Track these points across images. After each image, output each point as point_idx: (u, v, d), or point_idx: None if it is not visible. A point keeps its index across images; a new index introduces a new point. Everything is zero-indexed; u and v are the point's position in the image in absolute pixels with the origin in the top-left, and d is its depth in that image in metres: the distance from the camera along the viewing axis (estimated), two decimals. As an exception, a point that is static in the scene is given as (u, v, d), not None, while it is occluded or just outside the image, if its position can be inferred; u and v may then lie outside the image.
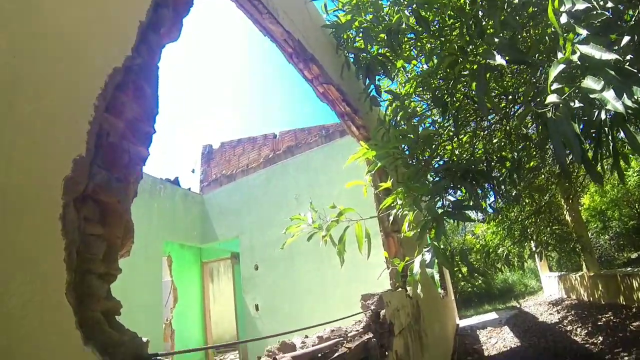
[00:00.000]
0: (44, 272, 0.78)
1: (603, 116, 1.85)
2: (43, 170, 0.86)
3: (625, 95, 1.58)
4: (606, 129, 1.98)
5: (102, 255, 0.92)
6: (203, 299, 10.79)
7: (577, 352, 6.90)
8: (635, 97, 1.56)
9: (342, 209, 3.76)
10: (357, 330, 2.63)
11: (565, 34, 1.86)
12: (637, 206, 13.83)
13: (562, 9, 1.89)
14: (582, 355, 6.66)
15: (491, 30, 3.30)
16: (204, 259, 11.29)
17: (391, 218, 3.68)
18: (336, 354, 2.01)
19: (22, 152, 0.83)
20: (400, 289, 4.03)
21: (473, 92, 3.83)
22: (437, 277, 3.10)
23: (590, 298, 10.97)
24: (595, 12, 1.82)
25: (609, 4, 1.95)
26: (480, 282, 20.07)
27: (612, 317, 8.21)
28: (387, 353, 2.77)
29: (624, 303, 8.76)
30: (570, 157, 2.91)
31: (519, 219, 9.37)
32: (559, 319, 10.30)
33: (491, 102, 3.66)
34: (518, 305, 15.72)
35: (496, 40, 2.69)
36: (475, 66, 3.25)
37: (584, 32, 1.78)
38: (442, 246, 3.14)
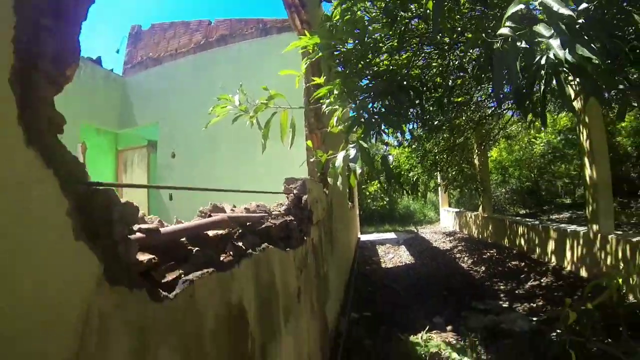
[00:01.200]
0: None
1: (543, 61, 1.97)
2: None
3: (567, 50, 1.72)
4: (542, 72, 2.12)
5: (51, 56, 0.81)
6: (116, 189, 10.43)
7: (462, 275, 7.83)
8: (578, 53, 1.70)
9: (272, 93, 3.76)
10: (280, 212, 2.70)
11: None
12: (535, 172, 15.24)
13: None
14: (466, 278, 7.58)
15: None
16: (120, 147, 10.73)
17: (324, 111, 3.73)
18: (263, 226, 2.11)
19: None
20: (319, 183, 4.17)
21: (428, 12, 3.83)
22: (358, 171, 3.20)
23: (480, 235, 12.17)
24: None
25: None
26: (386, 199, 21.20)
27: (495, 254, 9.28)
28: (305, 238, 2.90)
29: (507, 245, 9.93)
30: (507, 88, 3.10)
31: (433, 151, 9.89)
32: (450, 247, 11.38)
33: (444, 24, 3.71)
34: (415, 231, 16.90)
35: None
36: None
37: None
38: (366, 146, 3.27)
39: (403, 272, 8.62)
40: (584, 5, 2.03)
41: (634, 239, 5.34)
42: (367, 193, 20.79)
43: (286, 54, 3.87)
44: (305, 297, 2.71)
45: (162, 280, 1.01)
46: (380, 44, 4.22)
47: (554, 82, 2.09)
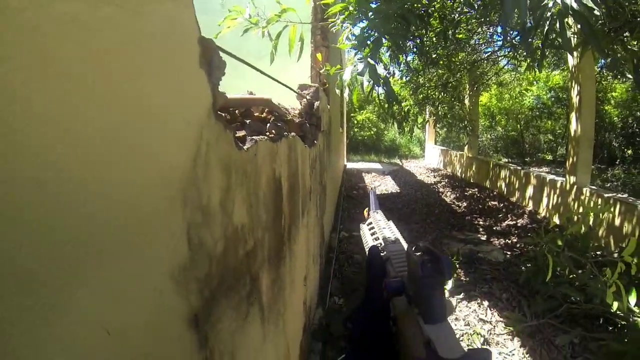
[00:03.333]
0: None
1: (551, 4, 2.03)
2: None
3: None
4: (548, 14, 2.18)
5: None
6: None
7: (444, 207, 8.15)
8: (584, 2, 1.78)
9: (284, 7, 3.73)
10: (294, 114, 2.78)
11: None
12: (522, 123, 15.41)
13: None
14: (448, 210, 7.91)
15: None
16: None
17: (336, 27, 3.72)
18: (287, 118, 2.19)
19: None
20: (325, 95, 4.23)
21: None
22: (365, 84, 3.27)
23: (463, 175, 12.51)
24: None
25: None
26: (373, 129, 21.24)
27: (476, 192, 9.69)
28: (315, 142, 3.01)
29: (488, 186, 10.29)
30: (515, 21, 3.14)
31: (426, 86, 9.88)
32: (434, 182, 11.74)
33: None
34: (401, 164, 17.18)
35: None
36: None
37: None
38: (373, 63, 3.32)
39: (389, 199, 8.91)
40: None
41: (606, 194, 5.76)
42: (356, 122, 20.78)
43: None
44: (313, 197, 2.85)
45: (235, 135, 1.10)
46: None
47: (557, 25, 2.17)
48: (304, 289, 2.43)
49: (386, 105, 3.62)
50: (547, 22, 2.25)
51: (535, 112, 14.91)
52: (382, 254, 1.08)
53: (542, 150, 16.46)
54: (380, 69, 3.59)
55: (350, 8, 3.53)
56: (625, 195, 5.66)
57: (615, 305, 3.05)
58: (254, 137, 1.21)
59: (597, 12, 1.95)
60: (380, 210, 1.61)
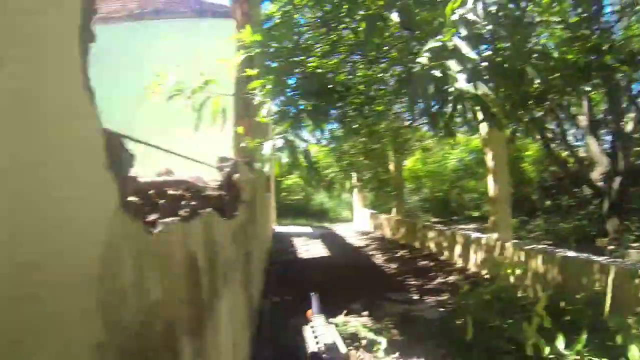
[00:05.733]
0: None
1: (452, 89, 2.45)
2: None
3: (472, 84, 2.28)
4: (450, 97, 2.59)
5: None
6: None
7: (376, 269, 8.44)
8: (477, 88, 2.33)
9: (207, 80, 3.89)
10: (213, 187, 2.86)
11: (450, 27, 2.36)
12: (447, 185, 16.53)
13: (457, 11, 2.37)
14: (379, 272, 8.21)
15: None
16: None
17: (257, 100, 3.90)
18: (205, 194, 2.28)
19: None
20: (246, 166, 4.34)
21: (359, 29, 4.11)
22: (284, 160, 3.41)
23: (393, 236, 12.98)
24: (477, 26, 2.39)
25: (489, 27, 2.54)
26: (302, 194, 21.48)
27: (406, 254, 10.04)
28: (235, 214, 3.08)
29: (418, 246, 10.77)
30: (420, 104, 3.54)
31: (350, 153, 10.31)
32: (364, 245, 12.06)
33: (372, 40, 4.01)
34: (330, 228, 17.42)
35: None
36: (370, 11, 3.55)
37: (464, 33, 2.30)
38: (291, 138, 3.53)
39: (320, 263, 9.03)
40: (488, 53, 2.70)
41: (527, 247, 6.30)
42: (284, 186, 20.98)
43: (217, 38, 4.01)
44: (237, 266, 2.90)
45: (146, 220, 1.18)
46: (313, 47, 4.47)
47: (459, 106, 2.60)
48: (232, 357, 2.44)
49: (308, 177, 3.82)
50: (450, 105, 2.64)
51: (459, 173, 15.98)
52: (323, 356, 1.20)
53: (468, 208, 17.38)
54: (303, 138, 3.80)
55: (269, 86, 3.77)
56: (545, 246, 6.18)
57: (547, 349, 3.25)
58: (166, 219, 1.30)
59: (492, 96, 2.39)
60: (322, 315, 1.74)
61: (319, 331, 1.49)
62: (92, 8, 0.90)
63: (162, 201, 1.45)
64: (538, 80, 3.59)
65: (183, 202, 1.68)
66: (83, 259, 0.79)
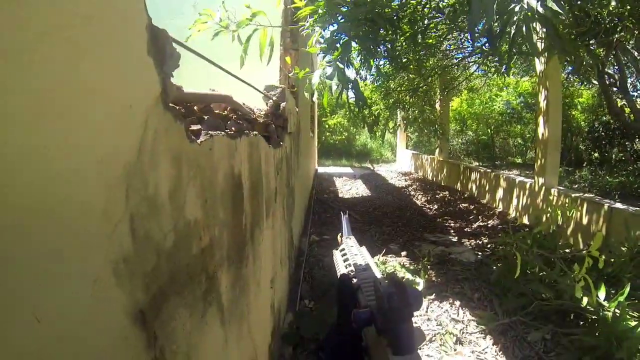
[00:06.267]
0: None
1: (517, 9, 2.08)
2: None
3: (540, 2, 1.90)
4: (515, 18, 2.22)
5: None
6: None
7: (416, 210, 8.19)
8: (549, 5, 1.82)
9: (254, 11, 3.70)
10: (260, 114, 2.74)
11: None
12: (492, 128, 15.65)
13: None
14: (419, 213, 7.94)
15: None
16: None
17: (306, 31, 3.71)
18: (251, 117, 2.16)
19: None
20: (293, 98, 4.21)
21: None
22: (334, 88, 3.26)
23: (434, 178, 12.65)
24: None
25: None
26: (344, 134, 21.32)
27: (447, 195, 9.72)
28: (281, 143, 2.98)
29: (459, 188, 10.42)
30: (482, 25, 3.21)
31: (397, 90, 9.95)
32: (405, 185, 11.80)
33: None
34: (372, 168, 17.25)
35: None
36: None
37: None
38: (342, 66, 3.32)
39: (360, 202, 8.91)
40: None
41: (573, 194, 5.89)
42: (327, 126, 20.82)
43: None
44: (279, 199, 2.81)
45: (189, 128, 1.07)
46: None
47: (524, 29, 2.22)
48: (272, 292, 2.39)
49: (356, 110, 3.61)
50: (514, 27, 2.30)
51: (505, 117, 15.17)
52: (353, 280, 1.09)
53: (512, 154, 16.79)
54: (351, 73, 3.60)
55: (320, 11, 3.54)
56: (592, 195, 5.81)
57: (585, 300, 3.11)
58: (210, 132, 1.18)
59: (562, 17, 1.99)
60: (352, 236, 1.62)
61: (350, 252, 1.38)
62: None
63: (206, 117, 1.32)
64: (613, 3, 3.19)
65: (228, 122, 1.57)
66: (113, 148, 0.68)
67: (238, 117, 1.75)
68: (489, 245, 5.70)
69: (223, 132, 1.28)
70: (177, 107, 1.05)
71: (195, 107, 1.34)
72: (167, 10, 7.97)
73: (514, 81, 14.12)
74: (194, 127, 1.12)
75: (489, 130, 15.85)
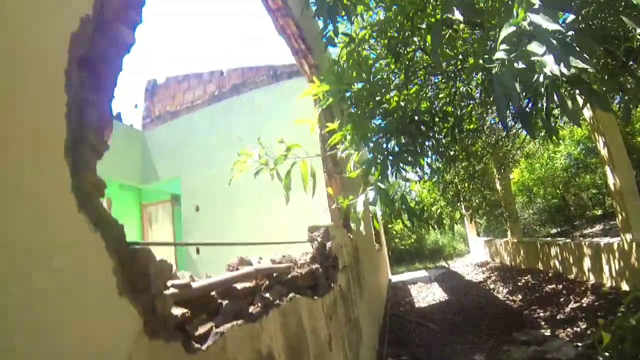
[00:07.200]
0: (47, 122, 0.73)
1: (541, 79, 2.02)
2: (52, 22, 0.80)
3: (562, 64, 1.73)
4: (542, 89, 2.16)
5: (94, 127, 0.87)
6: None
7: (499, 306, 7.55)
8: (572, 65, 1.74)
9: (289, 145, 3.83)
10: (305, 260, 2.69)
11: (520, 1, 2.00)
12: (560, 187, 14.61)
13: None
14: (503, 309, 7.29)
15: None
16: (144, 201, 10.90)
17: (341, 155, 3.78)
18: (289, 276, 2.13)
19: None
20: (343, 228, 4.17)
21: (427, 45, 3.95)
22: (378, 213, 3.22)
23: (512, 262, 11.86)
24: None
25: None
26: (413, 237, 20.88)
27: (530, 279, 8.98)
28: (332, 285, 2.89)
29: (541, 268, 9.61)
30: (510, 109, 3.13)
31: (454, 182, 9.80)
32: (483, 278, 11.12)
33: (445, 55, 3.80)
34: (447, 265, 16.60)
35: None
36: (433, 19, 3.36)
37: (537, 3, 1.91)
38: (384, 187, 3.28)
39: (437, 309, 8.40)
40: (571, 17, 2.11)
41: None
42: (394, 232, 20.59)
43: (299, 98, 3.97)
44: (336, 344, 2.68)
45: (195, 333, 1.04)
46: (388, 81, 4.29)
47: (555, 97, 2.11)
48: None
49: (409, 224, 3.49)
50: (544, 98, 2.20)
51: (570, 171, 14.09)
52: None
53: (589, 207, 15.51)
54: (402, 179, 3.56)
55: (349, 136, 3.61)
56: None
57: None
58: (224, 325, 1.14)
59: (591, 70, 1.86)
60: None
61: None
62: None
63: (225, 302, 1.30)
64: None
65: (259, 295, 1.54)
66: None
67: (270, 284, 1.72)
68: (589, 332, 4.99)
69: (240, 321, 1.23)
70: (184, 312, 1.03)
71: (213, 293, 1.32)
72: (216, 143, 8.60)
73: (568, 130, 13.20)
74: (202, 330, 1.08)
75: (557, 192, 14.83)
